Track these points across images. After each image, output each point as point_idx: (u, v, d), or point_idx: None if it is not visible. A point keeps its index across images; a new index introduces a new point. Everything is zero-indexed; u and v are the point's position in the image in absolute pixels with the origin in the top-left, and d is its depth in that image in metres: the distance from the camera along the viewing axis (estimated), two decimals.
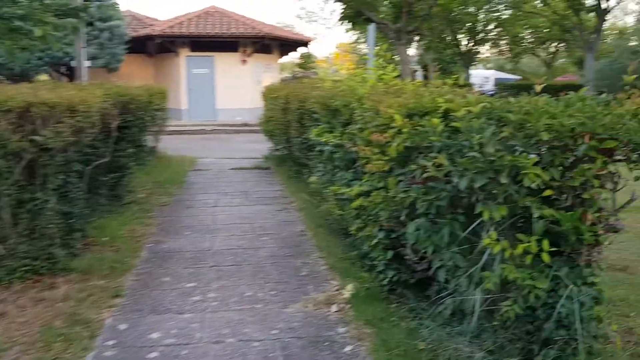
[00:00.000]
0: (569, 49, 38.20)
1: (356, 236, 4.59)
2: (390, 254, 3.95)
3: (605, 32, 31.37)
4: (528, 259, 2.87)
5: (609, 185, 2.94)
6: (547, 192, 2.84)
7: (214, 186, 8.75)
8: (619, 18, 41.50)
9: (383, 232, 3.94)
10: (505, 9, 32.65)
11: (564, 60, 44.14)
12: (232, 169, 10.54)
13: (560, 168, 2.85)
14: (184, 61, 20.47)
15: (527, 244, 2.85)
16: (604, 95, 3.07)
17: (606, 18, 27.76)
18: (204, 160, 11.64)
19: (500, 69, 45.83)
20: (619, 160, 2.86)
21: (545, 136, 2.78)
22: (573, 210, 2.88)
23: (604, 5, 26.60)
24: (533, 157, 2.84)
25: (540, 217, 2.88)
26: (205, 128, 18.55)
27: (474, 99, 3.18)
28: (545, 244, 2.84)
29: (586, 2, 27.41)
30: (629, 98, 2.93)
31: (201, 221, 6.49)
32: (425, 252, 3.41)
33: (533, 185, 2.79)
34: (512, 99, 3.17)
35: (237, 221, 6.50)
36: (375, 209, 3.89)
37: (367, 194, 4.06)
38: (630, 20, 41.49)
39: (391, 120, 3.58)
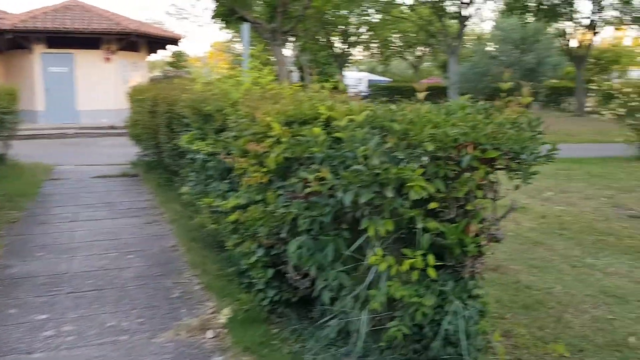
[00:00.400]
0: (433, 52, 40.59)
1: (233, 251, 4.25)
2: (270, 272, 3.66)
3: (465, 38, 33.55)
4: (414, 275, 2.75)
5: (490, 195, 2.90)
6: (433, 205, 2.73)
7: (73, 198, 7.92)
8: (477, 24, 44.74)
9: (262, 249, 3.65)
10: (375, 13, 33.89)
11: (429, 63, 46.79)
12: (95, 177, 9.69)
13: (444, 179, 2.75)
14: (39, 59, 18.80)
15: (413, 260, 2.72)
16: (481, 103, 3.04)
17: (466, 24, 29.78)
18: (62, 167, 10.63)
19: (372, 71, 47.64)
20: (500, 169, 2.82)
21: (429, 146, 2.66)
22: (457, 222, 2.80)
23: (464, 12, 28.51)
24: (417, 168, 2.70)
25: (425, 231, 2.76)
26: (66, 131, 17.14)
27: (357, 107, 2.99)
28: (431, 258, 2.73)
29: (448, 9, 29.21)
30: (507, 106, 2.91)
31: (57, 239, 5.78)
32: (308, 270, 3.18)
33: (418, 198, 2.65)
34: (394, 107, 3.03)
35: (99, 237, 5.86)
36: (254, 225, 3.59)
37: (244, 207, 3.74)
38: (486, 27, 44.91)
39: (269, 129, 3.30)
